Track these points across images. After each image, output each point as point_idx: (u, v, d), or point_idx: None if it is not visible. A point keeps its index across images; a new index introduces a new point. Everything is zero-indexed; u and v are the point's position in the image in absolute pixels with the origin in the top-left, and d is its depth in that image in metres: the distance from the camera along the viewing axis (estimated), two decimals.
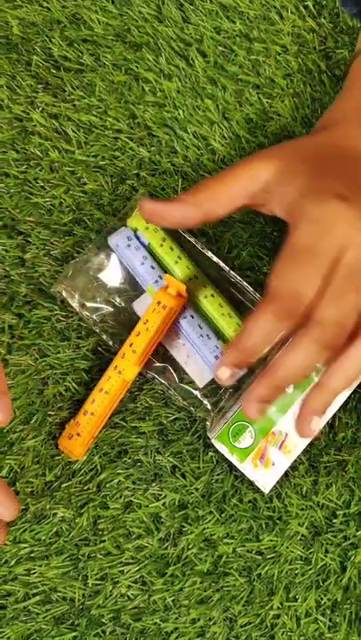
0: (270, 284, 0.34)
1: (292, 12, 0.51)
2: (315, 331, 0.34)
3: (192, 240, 0.45)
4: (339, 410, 0.44)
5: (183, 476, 0.43)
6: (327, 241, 0.34)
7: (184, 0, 0.51)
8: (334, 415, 0.44)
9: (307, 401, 0.36)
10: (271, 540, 0.42)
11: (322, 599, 0.42)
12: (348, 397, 0.44)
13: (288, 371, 0.34)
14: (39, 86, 0.49)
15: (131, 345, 0.42)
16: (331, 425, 0.44)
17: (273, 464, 0.42)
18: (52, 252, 0.46)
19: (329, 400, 0.36)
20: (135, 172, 0.48)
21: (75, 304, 0.44)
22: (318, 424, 0.36)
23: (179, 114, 0.49)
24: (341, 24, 0.51)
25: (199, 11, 0.51)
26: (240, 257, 0.47)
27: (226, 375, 0.36)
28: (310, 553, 0.42)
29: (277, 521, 0.43)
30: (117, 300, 0.44)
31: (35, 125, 0.48)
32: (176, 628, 0.41)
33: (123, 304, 0.44)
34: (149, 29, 0.50)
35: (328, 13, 0.51)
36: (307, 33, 0.51)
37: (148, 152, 0.48)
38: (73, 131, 0.48)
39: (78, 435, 0.41)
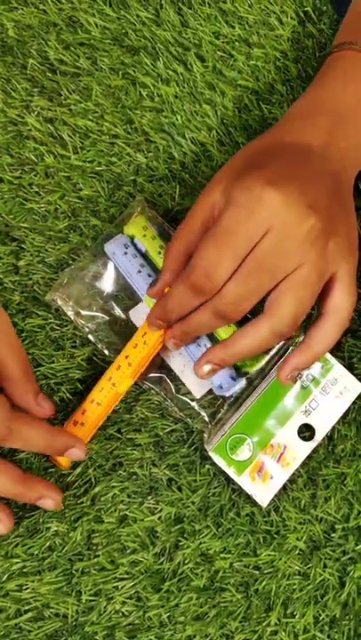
0: (191, 260, 0.37)
1: (291, 18, 0.50)
2: (214, 301, 0.37)
3: None
4: (338, 422, 0.43)
5: (179, 489, 0.42)
6: (248, 225, 0.36)
7: (183, 4, 0.50)
8: (333, 427, 0.43)
9: (209, 349, 0.40)
10: (269, 555, 0.42)
11: (320, 615, 0.41)
12: (348, 409, 0.43)
13: (191, 325, 0.39)
14: (34, 90, 0.48)
15: (126, 357, 0.41)
16: (330, 437, 0.43)
17: (271, 477, 0.41)
18: (46, 260, 0.45)
19: (226, 359, 0.39)
20: (132, 178, 0.47)
21: (69, 312, 0.43)
22: (210, 373, 0.40)
23: (176, 119, 0.48)
24: None
25: (198, 15, 0.50)
26: None
27: (146, 320, 0.41)
28: (309, 568, 0.42)
29: (275, 535, 0.42)
30: (113, 308, 0.44)
31: (30, 130, 0.47)
32: None
33: (119, 313, 0.44)
34: (147, 33, 0.49)
35: (328, 19, 0.51)
36: (306, 39, 0.50)
37: (145, 158, 0.47)
38: (69, 135, 0.47)
39: None
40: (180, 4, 0.50)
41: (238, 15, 0.50)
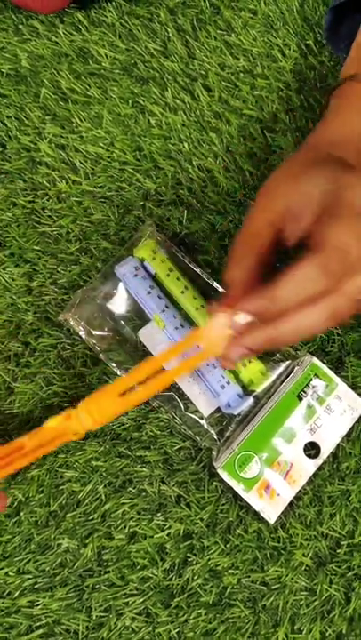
0: (317, 240, 0.33)
1: (294, 50, 0.52)
2: (336, 293, 0.33)
3: (198, 270, 0.46)
4: (342, 439, 0.44)
5: (188, 505, 0.43)
6: None
7: (189, 37, 0.52)
8: (338, 445, 0.44)
9: (247, 331, 0.35)
10: (276, 571, 0.42)
11: (327, 631, 0.42)
12: (352, 427, 0.44)
13: (296, 326, 0.34)
14: (47, 118, 0.50)
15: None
16: (335, 455, 0.44)
17: (278, 494, 0.42)
18: (58, 281, 0.46)
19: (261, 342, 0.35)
20: (141, 202, 0.48)
21: (81, 332, 0.44)
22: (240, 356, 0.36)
23: (184, 146, 0.50)
24: (342, 62, 0.52)
25: (204, 47, 0.52)
26: None
27: (242, 320, 0.35)
28: (315, 584, 0.42)
29: (282, 551, 0.43)
30: (124, 328, 0.45)
31: (42, 156, 0.49)
32: None
33: (129, 333, 0.45)
34: (156, 64, 0.51)
35: (329, 52, 0.53)
36: (308, 70, 0.52)
37: (154, 183, 0.49)
38: (80, 162, 0.49)
39: None
40: (186, 36, 0.52)
41: (243, 48, 0.52)
